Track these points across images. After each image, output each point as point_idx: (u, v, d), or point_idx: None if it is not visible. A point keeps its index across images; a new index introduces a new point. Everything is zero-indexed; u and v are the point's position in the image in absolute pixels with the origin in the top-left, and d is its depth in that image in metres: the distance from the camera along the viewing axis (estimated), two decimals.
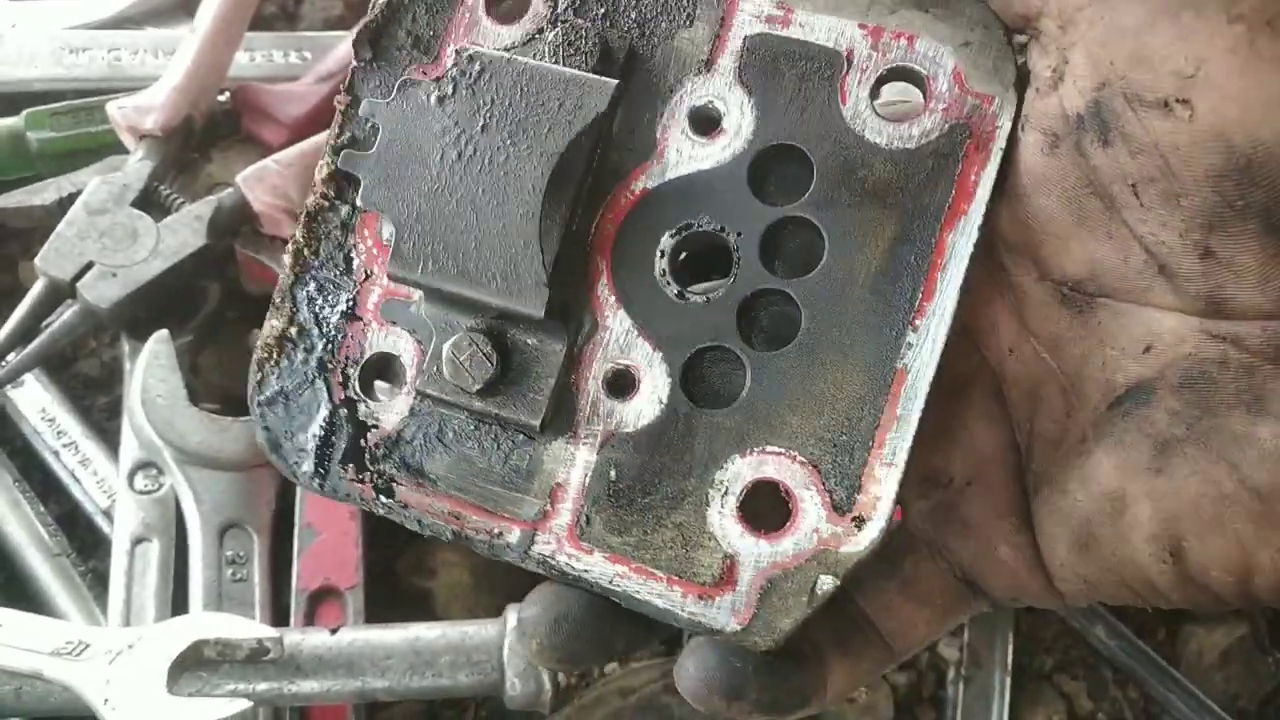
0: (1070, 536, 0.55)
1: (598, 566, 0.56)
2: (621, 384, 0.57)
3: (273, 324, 0.60)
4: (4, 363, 0.95)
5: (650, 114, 0.57)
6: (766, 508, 0.55)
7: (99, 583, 0.93)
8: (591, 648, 0.58)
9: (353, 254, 0.59)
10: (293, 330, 0.60)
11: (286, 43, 1.16)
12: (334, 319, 0.59)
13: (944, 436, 0.58)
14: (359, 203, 0.55)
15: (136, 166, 1.00)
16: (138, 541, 0.91)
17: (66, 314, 0.96)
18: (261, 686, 0.77)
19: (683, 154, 0.57)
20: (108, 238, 0.96)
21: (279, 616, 0.91)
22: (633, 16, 0.58)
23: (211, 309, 1.01)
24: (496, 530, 0.57)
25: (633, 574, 0.56)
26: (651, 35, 0.58)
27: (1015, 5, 0.53)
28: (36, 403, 1.00)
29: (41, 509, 0.96)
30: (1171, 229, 0.50)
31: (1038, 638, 0.98)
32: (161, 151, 1.02)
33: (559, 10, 0.58)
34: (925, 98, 0.55)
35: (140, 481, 0.93)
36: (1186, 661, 0.97)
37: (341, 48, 1.13)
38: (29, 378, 1.00)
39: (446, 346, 0.56)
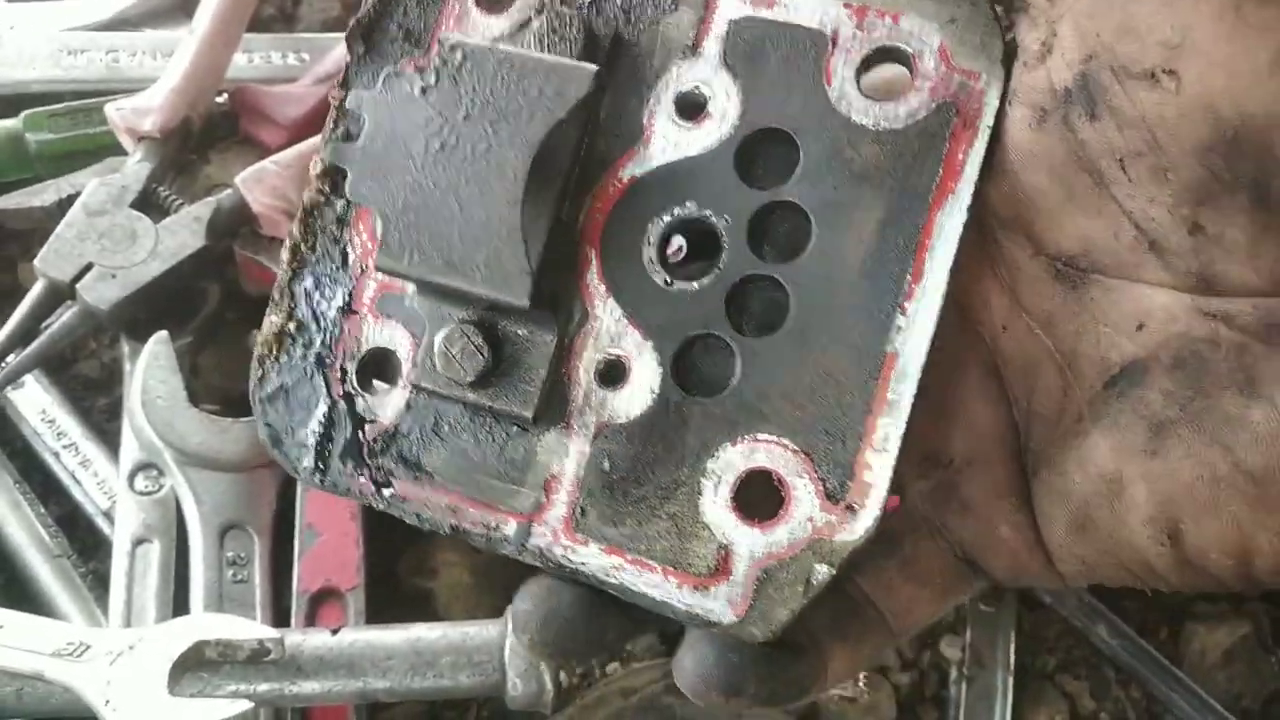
0: (1068, 518, 0.55)
1: (593, 558, 0.56)
2: (613, 374, 0.57)
3: (272, 320, 0.60)
4: (4, 364, 0.95)
5: (637, 100, 0.57)
6: (760, 496, 0.55)
7: (99, 584, 0.92)
8: (584, 640, 0.58)
9: (348, 249, 0.60)
10: (291, 326, 0.60)
11: (284, 44, 1.16)
12: (331, 314, 0.59)
13: (943, 416, 0.57)
14: (348, 195, 0.55)
15: (135, 168, 1.00)
16: (138, 543, 0.91)
17: (66, 315, 0.95)
18: (263, 687, 0.77)
19: (669, 140, 0.57)
20: (107, 239, 0.96)
21: (280, 617, 0.90)
22: (618, 3, 0.58)
23: (211, 310, 1.00)
24: (493, 523, 0.57)
25: (628, 565, 0.56)
26: (637, 21, 0.58)
27: None
28: (36, 404, 1.00)
29: (42, 510, 0.96)
30: (1160, 204, 0.50)
31: (1040, 637, 0.98)
32: (160, 153, 1.01)
33: None
34: (911, 76, 0.55)
35: (140, 483, 0.93)
36: (1189, 661, 0.96)
37: (339, 49, 1.12)
38: (29, 379, 1.00)
39: (438, 339, 0.56)
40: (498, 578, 0.94)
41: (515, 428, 0.57)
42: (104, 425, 1.01)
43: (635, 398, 0.56)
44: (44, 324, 0.96)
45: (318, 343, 0.60)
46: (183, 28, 1.09)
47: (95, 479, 0.97)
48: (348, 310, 0.59)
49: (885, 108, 0.55)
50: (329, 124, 0.60)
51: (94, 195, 0.98)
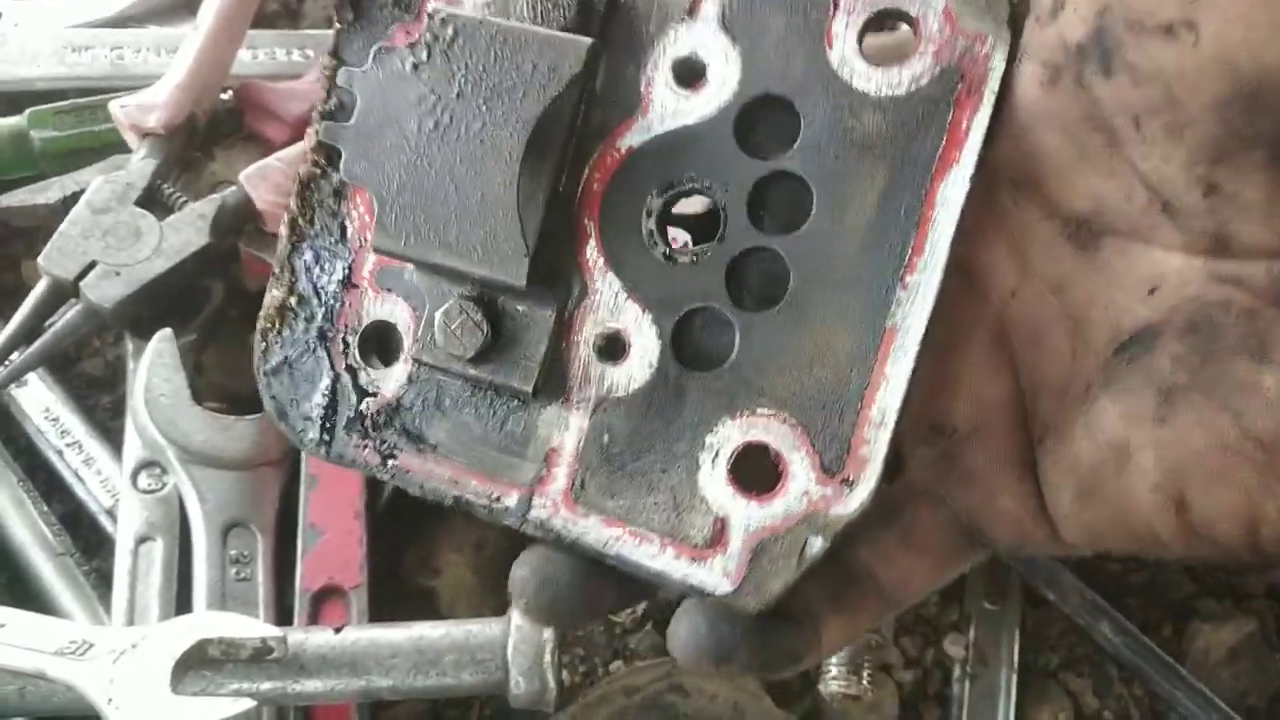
0: (1075, 485, 0.55)
1: (593, 530, 0.57)
2: (612, 348, 0.57)
3: (274, 294, 0.60)
4: (7, 362, 0.95)
5: (634, 67, 0.56)
6: (758, 470, 0.55)
7: (102, 582, 0.92)
8: (579, 607, 0.58)
9: (346, 222, 0.60)
10: (293, 300, 0.60)
11: (289, 40, 1.16)
12: (331, 287, 0.60)
13: (946, 385, 0.57)
14: (341, 175, 0.55)
15: (139, 165, 1.00)
16: (141, 541, 0.91)
17: (70, 313, 0.95)
18: (265, 686, 0.77)
19: (668, 108, 0.56)
20: (111, 236, 0.96)
21: (283, 616, 0.90)
22: None
23: (215, 308, 1.00)
24: (495, 495, 0.58)
25: (627, 536, 0.56)
26: None
27: None
28: (40, 402, 1.00)
29: (45, 508, 0.96)
30: (1175, 162, 0.49)
31: (1043, 635, 0.98)
32: (164, 150, 1.01)
33: None
34: (916, 39, 0.54)
35: (144, 481, 0.93)
36: (1193, 659, 0.96)
37: None
38: (32, 377, 1.00)
39: (438, 314, 0.56)
40: (501, 576, 0.93)
41: (516, 401, 0.57)
42: (107, 423, 1.01)
43: (634, 371, 0.56)
44: (48, 322, 0.95)
45: (319, 316, 0.60)
46: (187, 24, 1.09)
47: (98, 477, 0.97)
48: (348, 284, 0.60)
49: (888, 73, 0.54)
50: (322, 95, 0.59)
51: (98, 193, 0.98)
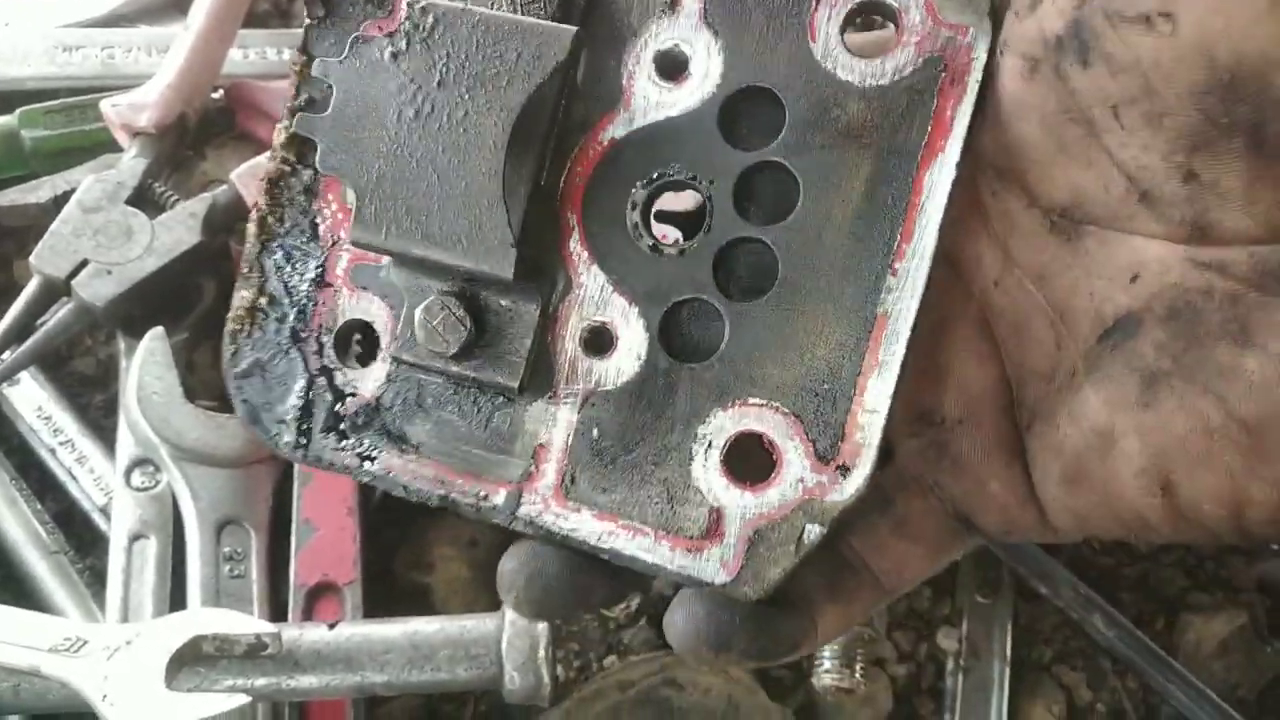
0: (1061, 471, 0.55)
1: (585, 524, 0.56)
2: (599, 341, 0.56)
3: (243, 294, 0.59)
4: None
5: (615, 60, 0.56)
6: (751, 459, 0.55)
7: (96, 580, 0.92)
8: (570, 599, 0.58)
9: (318, 219, 0.59)
10: (263, 300, 0.59)
11: (280, 40, 1.16)
12: (304, 287, 0.59)
13: (933, 374, 0.57)
14: (317, 167, 0.54)
15: (131, 164, 1.00)
16: (135, 538, 0.91)
17: (61, 312, 0.95)
18: (260, 682, 0.77)
19: (650, 100, 0.56)
20: (102, 235, 0.96)
21: (277, 612, 0.90)
22: None
23: (207, 306, 1.00)
24: (482, 493, 0.57)
25: (620, 530, 0.56)
26: None
27: None
28: (32, 400, 1.00)
29: (38, 506, 0.96)
30: (1154, 151, 0.50)
31: (1036, 629, 0.98)
32: (156, 149, 1.01)
33: None
34: (898, 30, 0.54)
35: (137, 478, 0.93)
36: (1185, 651, 0.96)
37: None
38: (25, 375, 1.00)
39: (418, 311, 0.55)
40: (495, 572, 0.94)
41: (501, 398, 0.57)
42: (100, 421, 1.01)
43: (623, 364, 0.56)
44: (39, 320, 0.95)
45: (291, 316, 0.59)
46: (178, 24, 1.09)
47: (92, 475, 0.97)
48: (321, 282, 0.59)
49: (871, 64, 0.54)
50: (290, 91, 0.58)
51: (89, 192, 0.98)
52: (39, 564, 0.93)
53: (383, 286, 0.58)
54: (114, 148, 1.04)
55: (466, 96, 0.52)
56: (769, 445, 0.55)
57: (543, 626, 0.81)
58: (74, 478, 0.97)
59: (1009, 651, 0.95)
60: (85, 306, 0.94)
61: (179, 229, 0.98)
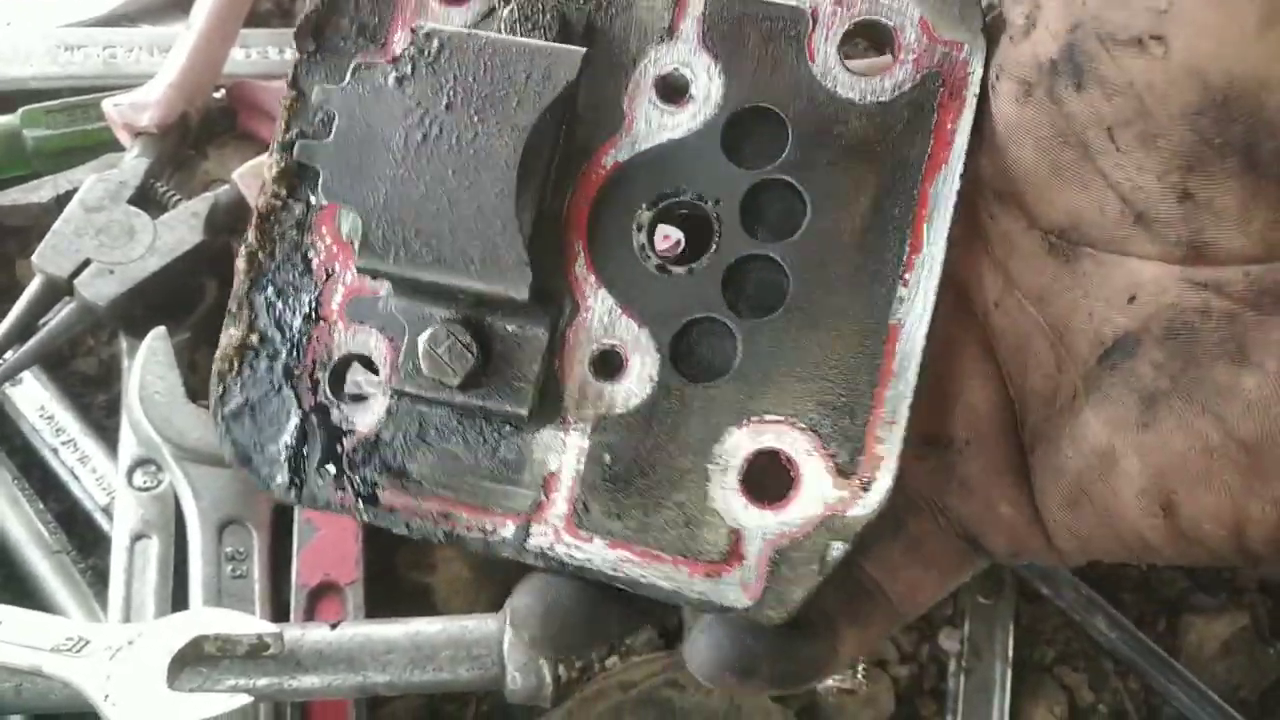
0: (1062, 494, 0.55)
1: (599, 554, 0.55)
2: (609, 365, 0.55)
3: (231, 333, 0.58)
4: (2, 361, 0.95)
5: (615, 86, 0.56)
6: (769, 477, 0.54)
7: (99, 579, 0.93)
8: (586, 634, 0.57)
9: (311, 253, 0.57)
10: (253, 338, 0.57)
11: (282, 39, 1.16)
12: (296, 322, 0.57)
13: (939, 396, 0.57)
14: (319, 195, 0.53)
15: (133, 164, 1.00)
16: (137, 538, 0.91)
17: (64, 311, 0.95)
18: (262, 682, 0.77)
19: (652, 124, 0.56)
20: (104, 235, 0.96)
21: (279, 612, 0.91)
22: None
23: (209, 305, 1.00)
24: (489, 526, 0.56)
25: (636, 558, 0.55)
26: (609, 6, 0.56)
27: None
28: (35, 400, 1.00)
29: (41, 506, 0.96)
30: (1148, 172, 0.50)
31: (1038, 630, 0.98)
32: (158, 148, 1.01)
33: None
34: (894, 49, 0.54)
35: (139, 478, 0.93)
36: (1187, 653, 0.97)
37: None
38: (27, 375, 1.00)
39: (422, 340, 0.54)
40: (496, 572, 0.94)
41: (508, 427, 0.56)
42: (102, 421, 1.01)
43: (634, 387, 0.55)
44: (42, 320, 0.96)
45: (283, 354, 0.57)
46: (180, 23, 1.09)
47: (94, 475, 0.97)
48: (315, 318, 0.57)
49: (871, 81, 0.54)
50: (280, 125, 0.57)
51: (91, 191, 0.98)
52: (41, 564, 0.93)
53: (381, 319, 0.56)
54: (116, 147, 1.04)
55: (476, 118, 0.52)
56: (787, 462, 0.54)
57: None
58: (76, 477, 0.97)
59: (1011, 652, 0.95)
60: (87, 306, 0.94)
61: (181, 228, 0.98)
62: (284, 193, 0.57)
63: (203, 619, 0.79)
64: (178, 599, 0.90)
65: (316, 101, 0.54)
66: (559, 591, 0.56)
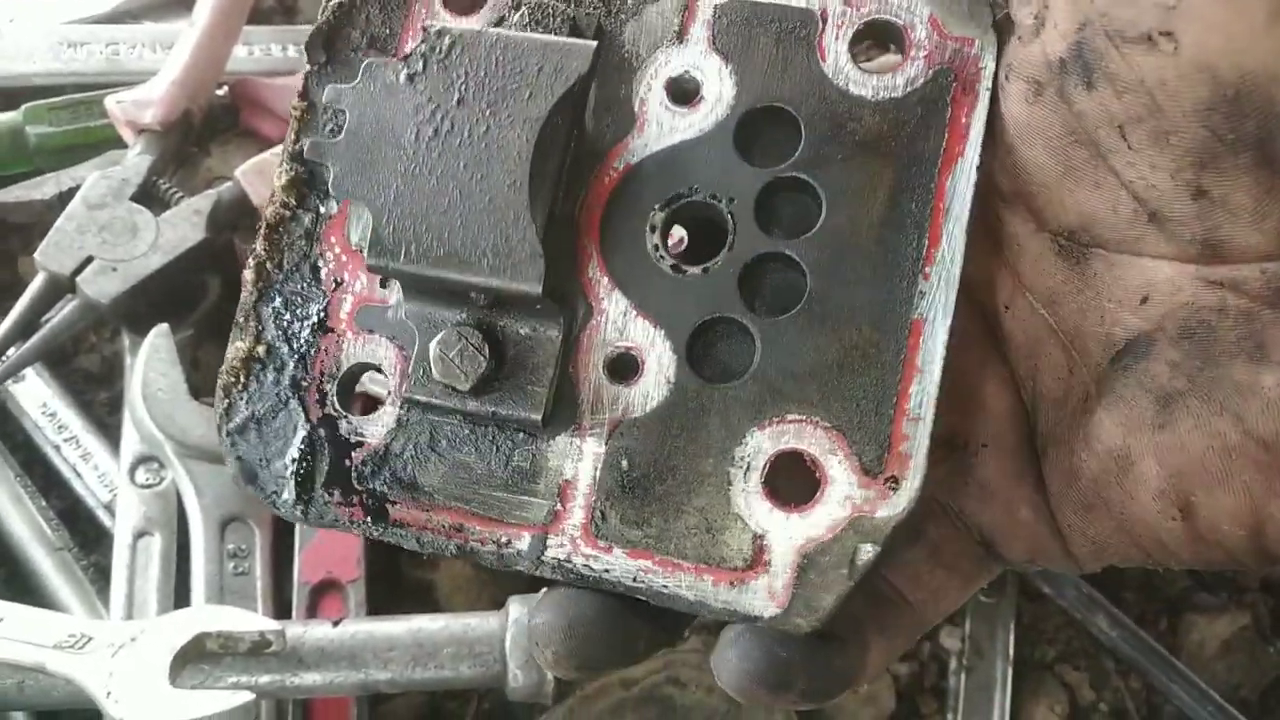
0: (1077, 498, 0.54)
1: (618, 564, 0.53)
2: (624, 368, 0.54)
3: (238, 345, 0.57)
4: (4, 358, 0.95)
5: (625, 89, 0.56)
6: (793, 480, 0.53)
7: (101, 576, 0.93)
8: (611, 651, 0.54)
9: (320, 263, 0.56)
10: (260, 349, 0.56)
11: (285, 36, 1.16)
12: (305, 333, 0.56)
13: (956, 398, 0.55)
14: (330, 189, 0.52)
15: (135, 161, 1.00)
16: (139, 535, 0.91)
17: (66, 309, 0.96)
18: (264, 679, 0.77)
19: (664, 126, 0.55)
20: (107, 232, 0.96)
21: (281, 609, 0.91)
22: None
23: (211, 303, 1.01)
24: (504, 538, 0.54)
25: (657, 567, 0.52)
26: (619, 11, 0.56)
27: None
28: (37, 397, 1.00)
29: (43, 503, 0.96)
30: (1161, 170, 0.50)
31: (1039, 628, 0.98)
32: (160, 146, 1.02)
33: None
34: (905, 47, 0.54)
35: (141, 475, 0.94)
36: (1188, 651, 0.97)
37: None
38: (29, 373, 1.00)
39: (433, 345, 0.53)
40: (498, 570, 0.94)
41: (521, 434, 0.54)
42: (105, 418, 1.02)
43: (651, 390, 0.53)
44: (44, 317, 0.96)
45: (291, 365, 0.56)
46: (183, 20, 1.09)
47: (96, 472, 0.97)
48: (323, 328, 0.56)
49: (883, 79, 0.54)
50: (290, 135, 0.57)
51: (94, 188, 0.98)
52: (44, 561, 0.93)
53: (391, 328, 0.55)
54: (119, 144, 1.04)
55: (488, 112, 0.51)
56: (811, 463, 0.52)
57: None
58: (79, 474, 0.98)
59: (1012, 651, 0.96)
60: (90, 303, 0.95)
61: (184, 226, 0.98)
62: (293, 202, 0.57)
63: (205, 616, 0.80)
64: (180, 596, 0.90)
65: (327, 100, 0.53)
66: (581, 606, 0.53)
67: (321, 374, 0.56)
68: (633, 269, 0.55)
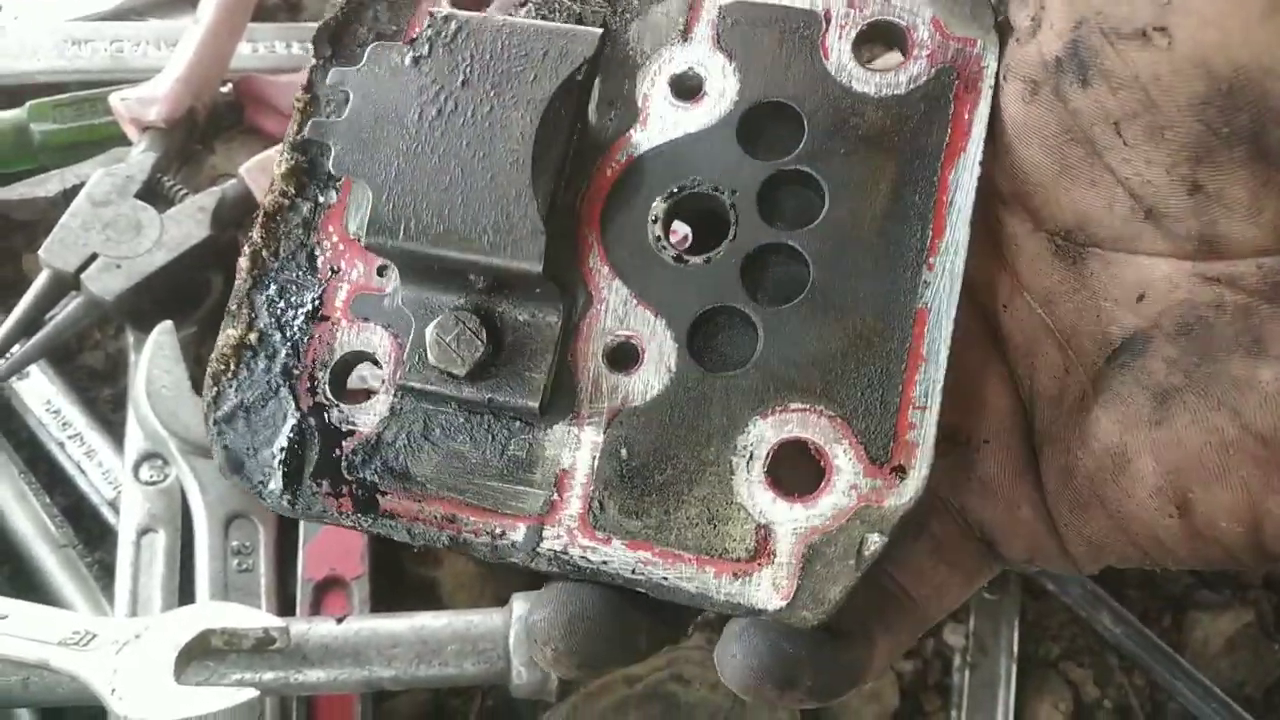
0: (1074, 496, 0.54)
1: (617, 555, 0.52)
2: (624, 356, 0.54)
3: (229, 333, 0.56)
4: (8, 355, 0.95)
5: (629, 85, 0.56)
6: (797, 469, 0.52)
7: (105, 573, 0.93)
8: (613, 648, 0.53)
9: (316, 251, 0.56)
10: (252, 337, 0.56)
11: (289, 34, 1.16)
12: (298, 321, 0.56)
13: (958, 392, 0.55)
14: (330, 170, 0.52)
15: (140, 158, 1.00)
16: (144, 532, 0.91)
17: (71, 306, 0.96)
18: (268, 676, 0.77)
19: (667, 119, 0.56)
20: (111, 229, 0.96)
21: (285, 606, 0.91)
22: None
23: (215, 300, 1.01)
24: (498, 529, 0.53)
25: (657, 559, 0.51)
26: (624, 11, 0.57)
27: None
28: (41, 395, 1.01)
29: (47, 500, 0.96)
30: (1157, 166, 0.50)
31: (1044, 625, 0.98)
32: (165, 143, 1.02)
33: None
34: (908, 47, 0.55)
35: (145, 472, 0.94)
36: (1192, 649, 0.97)
37: None
38: (34, 370, 1.00)
39: (430, 329, 0.52)
40: (502, 566, 0.94)
41: (518, 423, 0.53)
42: (109, 415, 1.02)
43: (651, 379, 0.53)
44: (48, 314, 0.96)
45: (283, 353, 0.55)
46: (187, 18, 1.09)
47: (100, 469, 0.97)
48: (317, 316, 0.56)
49: (886, 76, 0.55)
50: (293, 126, 0.57)
51: (98, 185, 0.98)
52: (48, 558, 0.93)
53: (387, 316, 0.55)
54: (123, 141, 1.04)
55: (492, 93, 0.52)
56: (816, 451, 0.51)
57: None
58: (83, 471, 0.98)
59: (1016, 648, 0.96)
60: (94, 300, 0.95)
61: (188, 223, 0.98)
62: (292, 191, 0.57)
63: (209, 613, 0.80)
64: (184, 593, 0.90)
65: (331, 81, 0.53)
66: (581, 601, 0.52)
67: (314, 362, 0.55)
68: (634, 259, 0.54)
